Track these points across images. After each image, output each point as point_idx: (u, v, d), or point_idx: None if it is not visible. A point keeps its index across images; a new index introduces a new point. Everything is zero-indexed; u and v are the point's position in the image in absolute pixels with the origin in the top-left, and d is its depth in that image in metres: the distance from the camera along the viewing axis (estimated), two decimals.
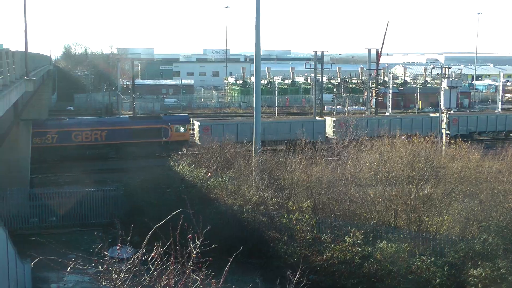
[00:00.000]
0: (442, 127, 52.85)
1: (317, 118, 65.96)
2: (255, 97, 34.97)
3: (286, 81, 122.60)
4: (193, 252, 8.98)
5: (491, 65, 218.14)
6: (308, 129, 57.90)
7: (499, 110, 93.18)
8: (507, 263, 21.03)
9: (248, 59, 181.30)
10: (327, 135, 59.20)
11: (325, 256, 23.04)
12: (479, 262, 21.40)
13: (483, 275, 20.86)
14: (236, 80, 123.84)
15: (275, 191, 27.30)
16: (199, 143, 50.81)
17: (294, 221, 24.62)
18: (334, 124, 59.71)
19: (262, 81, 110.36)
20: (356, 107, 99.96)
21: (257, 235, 25.33)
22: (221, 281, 9.26)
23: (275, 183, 27.35)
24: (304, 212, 25.38)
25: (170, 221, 10.10)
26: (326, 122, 60.98)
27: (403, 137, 40.05)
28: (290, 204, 26.16)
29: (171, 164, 34.41)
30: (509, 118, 69.19)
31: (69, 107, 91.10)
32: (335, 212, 26.14)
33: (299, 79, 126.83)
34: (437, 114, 57.43)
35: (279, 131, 57.72)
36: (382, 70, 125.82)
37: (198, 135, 55.28)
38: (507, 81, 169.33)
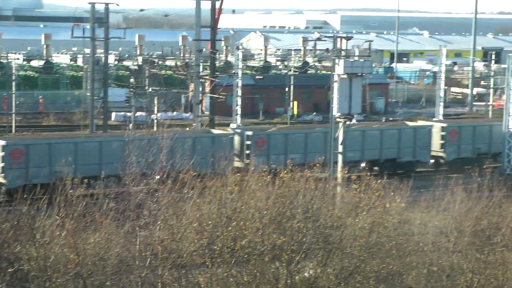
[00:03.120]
0: (338, 150, 54.72)
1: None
2: None
3: (35, 63, 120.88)
4: None
5: (425, 33, 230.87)
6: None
7: (440, 116, 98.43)
8: None
9: None
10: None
11: None
12: None
13: None
14: None
15: (11, 286, 26.65)
16: None
17: None
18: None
19: None
20: (175, 113, 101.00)
21: None
22: None
23: (9, 270, 26.72)
24: None
25: None
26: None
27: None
28: None
29: None
30: None
31: None
32: None
33: (61, 59, 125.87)
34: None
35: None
36: (223, 42, 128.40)
37: None
38: (454, 63, 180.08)
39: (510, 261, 28.44)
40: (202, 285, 26.72)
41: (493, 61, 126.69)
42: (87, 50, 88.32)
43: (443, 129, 77.65)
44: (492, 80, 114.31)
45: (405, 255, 28.24)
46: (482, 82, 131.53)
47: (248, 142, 67.05)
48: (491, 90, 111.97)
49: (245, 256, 26.53)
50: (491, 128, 79.60)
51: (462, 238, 30.12)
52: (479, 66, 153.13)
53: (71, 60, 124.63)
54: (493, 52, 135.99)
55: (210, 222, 27.64)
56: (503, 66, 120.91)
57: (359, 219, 29.08)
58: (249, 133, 68.81)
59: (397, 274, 27.54)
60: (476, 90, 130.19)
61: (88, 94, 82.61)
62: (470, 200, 33.71)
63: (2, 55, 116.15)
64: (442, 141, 77.20)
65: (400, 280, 27.16)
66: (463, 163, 73.53)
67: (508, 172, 72.33)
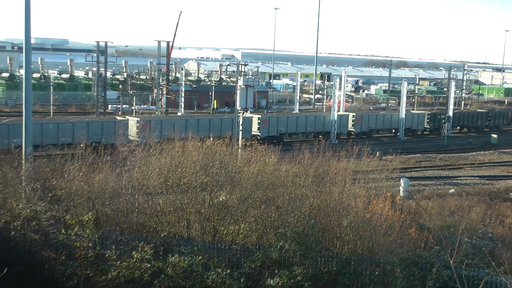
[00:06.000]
0: (239, 128, 55.38)
1: (118, 118, 65.66)
2: (25, 93, 33.47)
3: (64, 75, 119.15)
4: None
5: (289, 63, 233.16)
6: (108, 130, 59.42)
7: (297, 110, 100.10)
8: (303, 270, 22.73)
9: (16, 48, 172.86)
10: (130, 137, 59.52)
11: (110, 276, 22.78)
12: (276, 271, 22.81)
13: (280, 284, 22.29)
14: (1, 73, 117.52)
15: (50, 204, 26.34)
16: None
17: (74, 237, 23.93)
18: (137, 124, 60.63)
19: (34, 75, 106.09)
20: (145, 106, 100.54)
21: (29, 256, 24.23)
22: None
23: (50, 194, 26.40)
24: (85, 226, 24.81)
25: None
26: (129, 123, 61.39)
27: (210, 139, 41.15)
28: (69, 218, 25.45)
29: None
30: (318, 120, 79.82)
31: None
32: (121, 225, 26.01)
33: (79, 74, 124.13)
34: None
35: (76, 132, 57.98)
36: (173, 65, 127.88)
37: None
38: (305, 80, 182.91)
39: (333, 192, 29.03)
40: (161, 204, 26.83)
41: (326, 80, 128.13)
42: (95, 69, 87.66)
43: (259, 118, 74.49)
44: (325, 90, 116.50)
45: (276, 188, 28.60)
46: (320, 92, 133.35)
47: None
48: (325, 96, 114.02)
49: (186, 188, 26.69)
50: (324, 117, 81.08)
51: (308, 179, 30.65)
52: (318, 82, 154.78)
53: (85, 74, 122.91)
54: (326, 75, 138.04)
55: (165, 169, 27.71)
56: (331, 83, 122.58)
57: (251, 167, 29.52)
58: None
59: (272, 199, 27.93)
60: (316, 96, 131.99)
61: (95, 94, 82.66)
62: (313, 157, 34.34)
63: (45, 71, 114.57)
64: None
65: (273, 202, 27.61)
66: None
67: (333, 142, 73.76)
